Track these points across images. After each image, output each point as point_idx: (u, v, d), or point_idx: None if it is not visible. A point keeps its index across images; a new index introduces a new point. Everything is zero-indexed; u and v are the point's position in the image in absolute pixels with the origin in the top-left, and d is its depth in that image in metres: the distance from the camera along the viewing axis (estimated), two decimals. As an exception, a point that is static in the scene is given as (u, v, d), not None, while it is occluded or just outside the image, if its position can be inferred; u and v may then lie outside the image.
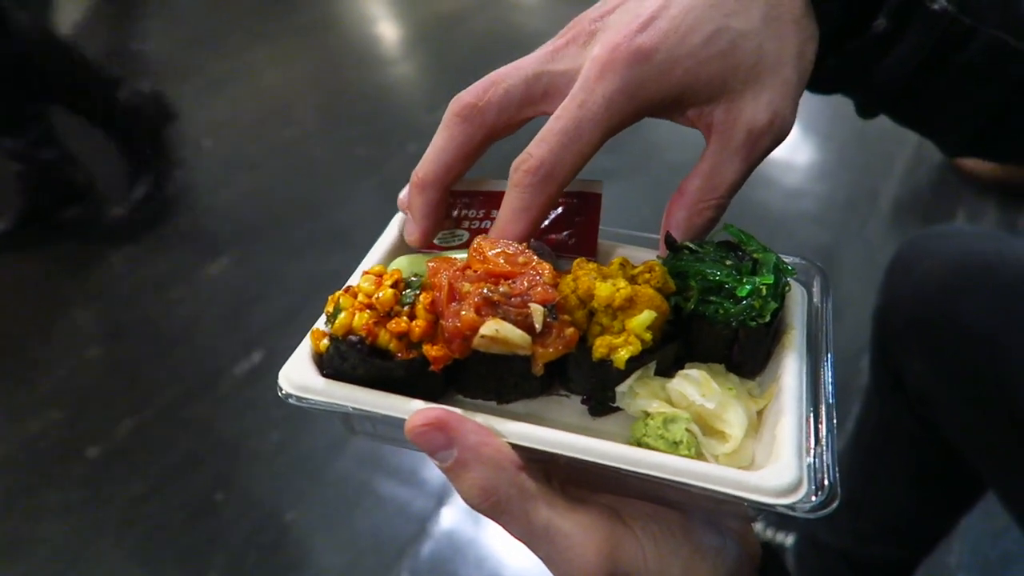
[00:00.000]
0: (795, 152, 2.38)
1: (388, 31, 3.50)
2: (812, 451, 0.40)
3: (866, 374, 1.07)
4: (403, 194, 0.52)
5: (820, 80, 0.52)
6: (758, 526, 1.32)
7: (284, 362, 0.44)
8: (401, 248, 0.54)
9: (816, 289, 0.52)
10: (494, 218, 0.51)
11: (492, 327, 0.39)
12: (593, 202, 0.53)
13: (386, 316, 0.42)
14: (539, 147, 0.44)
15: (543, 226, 0.53)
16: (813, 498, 0.37)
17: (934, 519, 1.07)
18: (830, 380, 0.45)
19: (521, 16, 3.36)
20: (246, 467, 1.60)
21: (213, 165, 2.51)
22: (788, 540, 1.29)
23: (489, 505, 0.38)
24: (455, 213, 0.54)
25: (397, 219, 0.56)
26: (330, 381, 0.42)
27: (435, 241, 0.54)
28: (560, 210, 0.53)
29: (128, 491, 1.56)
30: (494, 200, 0.52)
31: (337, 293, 0.43)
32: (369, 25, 3.56)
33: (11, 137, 2.02)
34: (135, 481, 1.57)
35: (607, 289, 0.41)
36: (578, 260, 0.45)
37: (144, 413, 1.70)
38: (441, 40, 3.25)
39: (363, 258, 0.52)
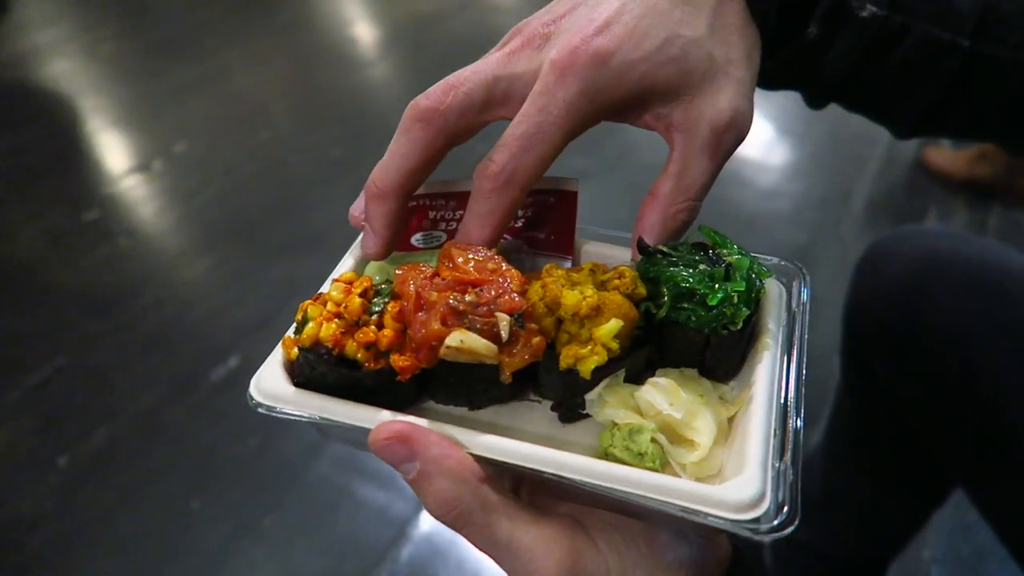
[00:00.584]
0: (769, 153, 2.40)
1: (364, 32, 3.49)
2: (776, 465, 0.40)
3: (839, 372, 1.08)
4: (356, 207, 0.51)
5: (764, 79, 0.54)
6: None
7: (260, 367, 0.44)
8: None
9: (795, 291, 0.51)
10: None
11: (457, 338, 0.39)
12: (570, 199, 0.53)
13: (354, 325, 0.42)
14: (501, 153, 0.44)
15: (520, 224, 0.53)
16: (774, 519, 0.38)
17: (906, 516, 1.09)
18: (801, 390, 0.45)
19: (498, 18, 3.36)
20: (223, 473, 1.58)
21: (187, 169, 2.49)
22: (766, 537, 1.30)
23: (452, 517, 0.38)
24: (432, 215, 0.54)
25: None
26: (300, 390, 0.42)
27: (413, 242, 0.54)
28: (536, 208, 0.54)
29: (102, 499, 1.54)
30: (464, 199, 0.52)
31: (306, 302, 0.43)
32: (345, 26, 3.54)
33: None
34: (109, 489, 1.56)
35: (574, 297, 0.41)
36: (548, 266, 0.45)
37: (118, 420, 1.68)
38: (418, 41, 3.24)
39: (339, 261, 0.52)
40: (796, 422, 0.42)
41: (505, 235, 0.50)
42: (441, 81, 0.47)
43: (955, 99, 0.55)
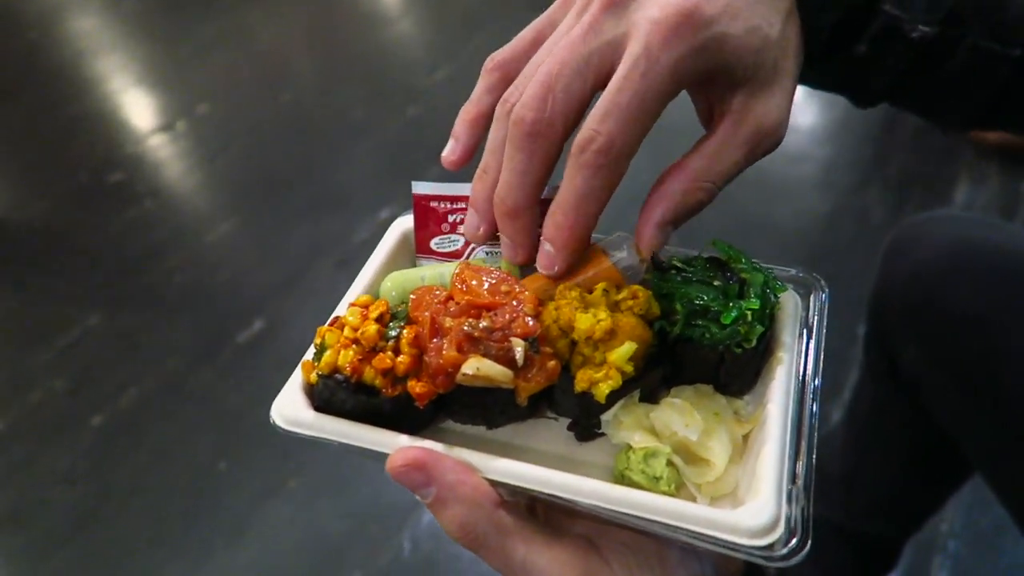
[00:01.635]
0: (797, 115, 2.34)
1: (386, -14, 3.43)
2: (790, 487, 0.40)
3: (862, 353, 1.08)
4: (469, 226, 0.49)
5: (808, 81, 0.53)
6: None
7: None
8: (396, 261, 0.54)
9: (813, 305, 0.51)
10: None
11: (473, 365, 0.39)
12: None
13: (371, 352, 0.42)
14: (605, 123, 0.41)
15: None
16: (786, 545, 0.38)
17: (924, 498, 1.09)
18: (815, 408, 0.45)
19: (522, -31, 3.28)
20: (249, 435, 1.62)
21: (209, 131, 2.49)
22: (780, 563, 1.31)
23: (468, 541, 0.40)
24: (451, 219, 0.54)
25: (393, 230, 0.56)
26: (320, 415, 0.43)
27: (432, 246, 0.54)
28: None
29: (133, 459, 1.58)
30: None
31: (323, 327, 0.44)
32: (367, -21, 3.48)
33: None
34: (139, 450, 1.60)
35: (587, 321, 0.41)
36: (562, 286, 0.45)
37: (147, 382, 1.72)
38: (440, -2, 3.18)
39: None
40: (810, 451, 0.42)
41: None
42: (533, 81, 0.43)
43: (1007, 101, 0.53)
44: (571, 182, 0.43)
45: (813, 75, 0.52)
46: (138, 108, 2.66)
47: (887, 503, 1.09)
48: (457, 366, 0.40)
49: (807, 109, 2.37)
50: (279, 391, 0.46)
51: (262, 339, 1.79)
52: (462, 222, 0.54)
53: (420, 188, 0.54)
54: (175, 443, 1.61)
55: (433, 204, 0.53)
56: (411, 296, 0.43)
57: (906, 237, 0.92)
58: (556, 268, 0.44)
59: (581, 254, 0.45)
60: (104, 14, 3.16)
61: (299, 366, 0.45)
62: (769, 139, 0.46)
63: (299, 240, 2.05)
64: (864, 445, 1.08)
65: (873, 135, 2.32)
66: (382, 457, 0.42)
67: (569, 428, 0.46)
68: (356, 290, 0.50)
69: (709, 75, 0.44)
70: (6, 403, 1.70)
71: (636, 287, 0.45)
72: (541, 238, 0.45)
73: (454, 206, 0.54)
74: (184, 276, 1.99)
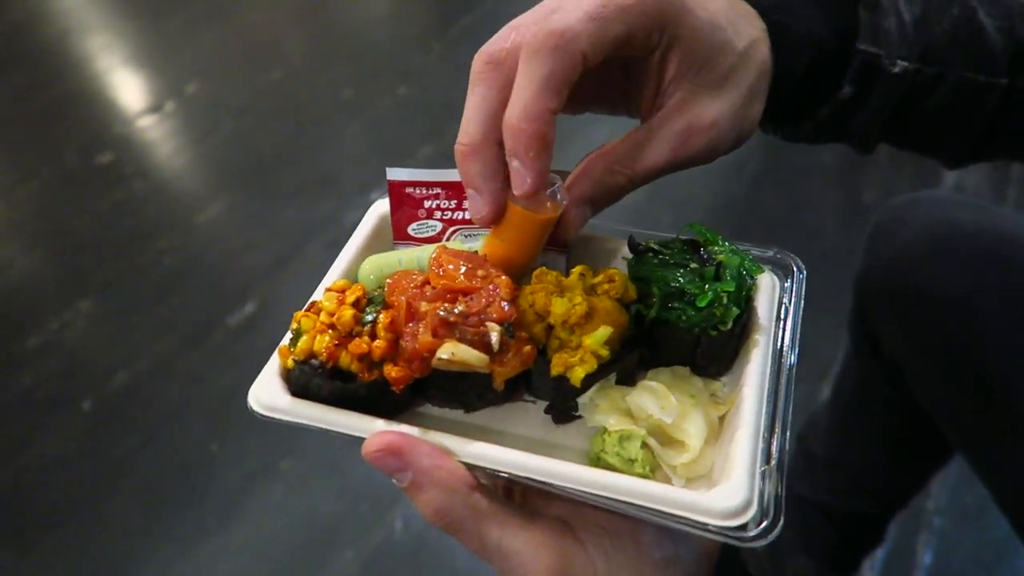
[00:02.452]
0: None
1: (377, -38, 3.40)
2: (763, 470, 0.41)
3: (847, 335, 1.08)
4: (472, 209, 0.47)
5: (806, 136, 0.55)
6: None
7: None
8: (373, 246, 0.54)
9: (789, 286, 0.51)
10: (465, 208, 0.52)
11: (448, 350, 0.40)
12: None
13: (347, 337, 0.42)
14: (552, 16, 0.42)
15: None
16: (758, 526, 0.38)
17: (907, 478, 1.10)
18: (791, 389, 0.45)
19: (513, -53, 3.24)
20: (240, 417, 1.61)
21: (198, 110, 2.47)
22: (752, 544, 1.33)
23: (443, 525, 0.40)
24: (427, 204, 0.54)
25: (370, 215, 0.56)
26: (296, 400, 0.43)
27: (410, 231, 0.54)
28: None
29: (124, 442, 1.59)
30: (462, 190, 0.53)
31: (299, 312, 0.44)
32: (357, -45, 3.44)
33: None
34: (130, 432, 1.60)
35: (563, 305, 0.42)
36: (538, 271, 0.45)
37: (137, 365, 1.72)
38: (431, -27, 3.15)
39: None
40: (783, 430, 0.43)
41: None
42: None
43: (1000, 130, 0.54)
44: (518, 81, 0.42)
45: (808, 127, 0.53)
46: (126, 88, 2.63)
47: (871, 482, 1.10)
48: (433, 351, 0.40)
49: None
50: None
51: (253, 321, 1.79)
52: (438, 208, 0.54)
53: (395, 174, 0.54)
54: (166, 425, 1.61)
55: (409, 190, 0.53)
56: (387, 280, 0.43)
57: (890, 218, 0.92)
58: (528, 183, 0.43)
59: (548, 165, 0.43)
60: (91, -8, 3.13)
61: (276, 352, 0.45)
62: (698, 140, 0.46)
63: (289, 221, 2.05)
64: (848, 425, 1.09)
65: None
66: (359, 442, 0.42)
67: (546, 411, 0.47)
68: (333, 275, 0.50)
69: (660, 42, 0.44)
70: (-3, 386, 1.70)
71: (613, 271, 0.45)
72: (507, 158, 0.43)
73: (430, 192, 0.54)
74: (174, 258, 1.98)
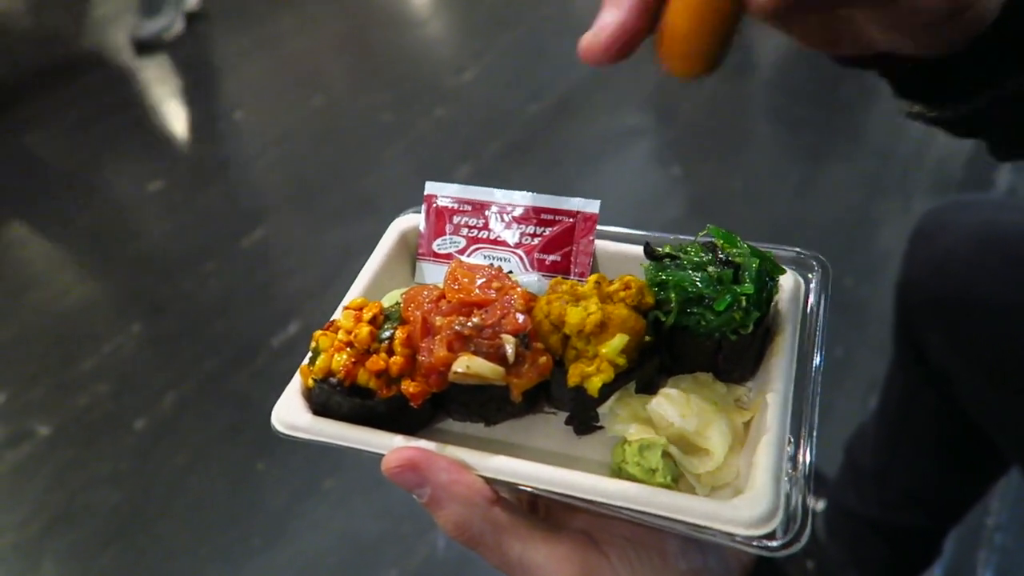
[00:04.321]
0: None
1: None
2: (789, 474, 0.40)
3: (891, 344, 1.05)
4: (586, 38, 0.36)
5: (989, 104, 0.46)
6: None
7: (280, 396, 0.46)
8: (394, 262, 0.55)
9: (814, 286, 0.50)
10: (492, 228, 0.52)
11: (464, 363, 0.40)
12: (589, 223, 0.53)
13: (365, 354, 0.42)
14: None
15: (536, 243, 0.53)
16: (784, 535, 0.37)
17: (960, 489, 1.06)
18: (816, 392, 0.44)
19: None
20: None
21: (244, 137, 2.54)
22: (819, 506, 1.30)
23: (464, 539, 0.40)
24: (456, 220, 0.55)
25: (391, 231, 0.57)
26: (317, 418, 0.44)
27: (435, 248, 0.54)
28: (556, 229, 0.53)
29: (174, 461, 1.62)
30: (491, 209, 0.54)
31: (318, 332, 0.44)
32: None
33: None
34: (180, 451, 1.64)
35: (578, 315, 0.41)
36: (553, 281, 0.45)
37: (186, 386, 1.76)
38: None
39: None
40: (809, 434, 0.42)
41: None
42: None
43: None
44: None
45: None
46: (176, 117, 2.72)
47: (921, 494, 1.07)
48: (448, 365, 0.40)
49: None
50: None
51: (296, 342, 1.82)
52: (466, 225, 0.54)
53: (433, 188, 0.55)
54: (214, 445, 1.65)
55: (443, 203, 0.54)
56: (402, 295, 0.44)
57: (931, 223, 0.89)
58: None
59: None
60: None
61: (298, 372, 0.46)
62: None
63: (331, 243, 2.08)
64: (896, 435, 1.06)
65: (908, 126, 2.26)
66: (379, 458, 0.42)
67: (567, 422, 0.46)
68: (354, 293, 0.51)
69: None
70: (54, 407, 1.75)
71: (629, 277, 0.45)
72: None
73: (461, 208, 0.54)
74: (219, 282, 2.03)
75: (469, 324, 0.41)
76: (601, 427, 0.45)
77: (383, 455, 0.41)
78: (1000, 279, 0.79)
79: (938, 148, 2.16)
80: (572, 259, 0.52)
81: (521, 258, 0.52)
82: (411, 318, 0.42)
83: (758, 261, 0.44)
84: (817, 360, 0.45)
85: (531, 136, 2.23)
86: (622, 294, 0.43)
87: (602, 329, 0.41)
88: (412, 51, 2.92)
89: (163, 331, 1.92)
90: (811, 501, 0.39)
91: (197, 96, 2.81)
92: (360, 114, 2.56)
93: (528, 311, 0.42)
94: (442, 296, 0.43)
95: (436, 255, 0.54)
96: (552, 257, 0.52)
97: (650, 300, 0.44)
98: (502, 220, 0.53)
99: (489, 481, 0.41)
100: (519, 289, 0.43)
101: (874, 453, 1.09)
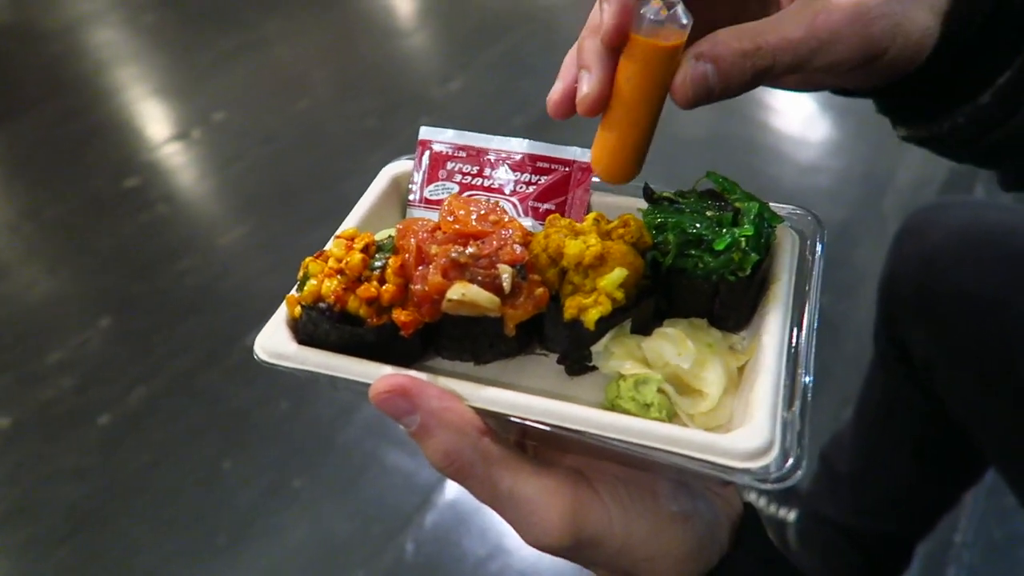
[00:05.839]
0: (810, 127, 2.33)
1: (402, 2, 3.47)
2: (784, 415, 0.39)
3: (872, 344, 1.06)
4: (553, 93, 0.45)
5: (962, 131, 0.47)
6: (760, 502, 1.32)
7: (265, 325, 0.45)
8: (384, 206, 0.54)
9: (811, 240, 0.49)
10: (487, 175, 0.52)
11: (459, 290, 0.39)
12: (586, 172, 0.52)
13: (356, 281, 0.41)
14: None
15: (532, 191, 0.52)
16: (781, 467, 0.37)
17: (935, 494, 1.06)
18: (812, 339, 0.43)
19: (537, -12, 3.31)
20: (254, 435, 1.61)
21: (225, 138, 2.51)
22: (791, 516, 1.29)
23: (453, 469, 0.38)
24: (449, 166, 0.54)
25: (382, 176, 0.56)
26: (304, 347, 0.42)
27: (427, 194, 0.54)
28: (552, 177, 0.53)
29: (138, 458, 1.58)
30: (486, 156, 0.53)
31: (308, 258, 0.43)
32: (384, -4, 3.53)
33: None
34: (145, 448, 1.60)
35: (576, 247, 0.41)
36: (551, 216, 0.44)
37: (155, 382, 1.72)
38: (455, 11, 3.21)
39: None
40: (805, 376, 0.41)
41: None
42: None
43: None
44: None
45: (970, 118, 0.46)
46: (155, 116, 2.69)
47: (897, 500, 1.07)
48: (442, 292, 0.39)
49: (819, 122, 2.36)
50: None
51: (271, 341, 1.79)
52: (459, 171, 0.54)
53: (427, 133, 0.54)
54: (181, 442, 1.61)
55: (437, 148, 0.53)
56: (397, 226, 0.43)
57: (920, 221, 0.90)
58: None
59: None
60: (125, 27, 3.21)
61: (284, 301, 0.45)
62: (839, 14, 0.39)
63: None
64: (874, 438, 1.06)
65: (886, 147, 2.31)
66: (367, 388, 0.41)
67: (559, 362, 0.45)
68: (349, 223, 0.50)
69: None
70: (16, 399, 1.70)
71: (628, 215, 0.44)
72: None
73: (456, 153, 0.54)
74: (195, 279, 1.99)
75: (466, 252, 0.40)
76: (594, 368, 0.45)
77: (370, 385, 0.40)
78: (986, 273, 0.80)
79: (915, 169, 2.20)
80: (568, 208, 0.51)
81: (515, 205, 0.51)
82: (405, 246, 0.41)
83: (757, 206, 0.44)
84: (815, 309, 0.44)
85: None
86: (621, 231, 0.42)
87: (601, 262, 0.40)
88: (399, 61, 2.93)
89: (133, 327, 1.88)
90: (805, 440, 0.38)
91: (178, 96, 2.79)
92: (345, 119, 2.55)
93: (525, 244, 0.41)
94: (437, 227, 0.42)
95: (428, 201, 0.53)
96: (547, 206, 0.51)
97: (648, 240, 0.43)
98: (497, 167, 0.52)
99: (480, 413, 0.40)
100: (516, 223, 0.42)
101: (851, 457, 1.09)
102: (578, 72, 0.42)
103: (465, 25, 3.08)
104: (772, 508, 1.31)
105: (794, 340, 0.43)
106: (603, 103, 0.42)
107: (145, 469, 1.56)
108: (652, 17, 0.38)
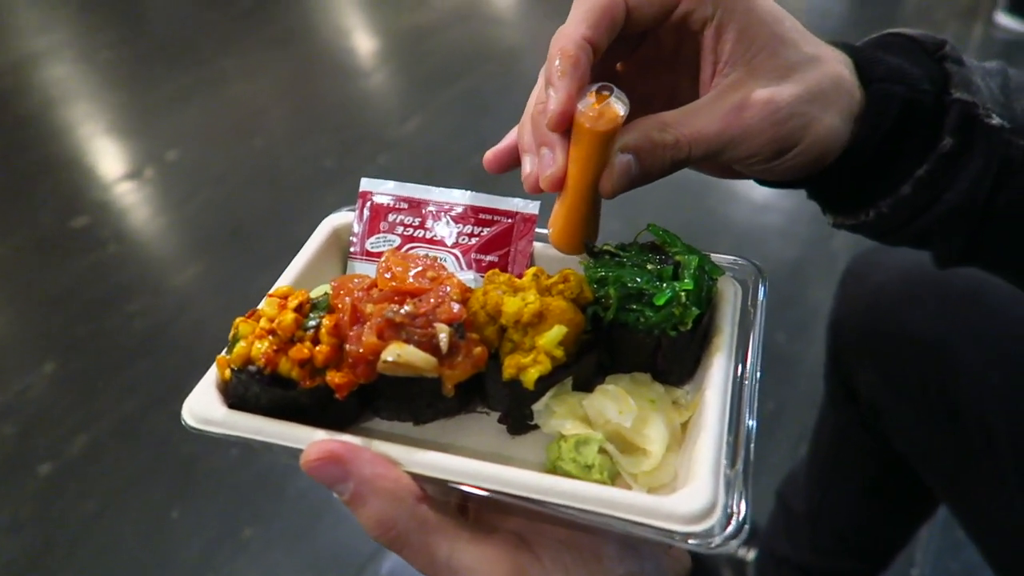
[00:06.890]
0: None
1: (361, 42, 3.49)
2: (728, 473, 0.38)
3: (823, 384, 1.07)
4: (489, 153, 0.50)
5: (889, 219, 0.50)
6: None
7: (194, 389, 0.43)
8: (324, 259, 0.53)
9: (752, 291, 0.49)
10: (428, 227, 0.51)
11: (394, 351, 0.38)
12: (528, 224, 0.52)
13: (288, 342, 0.40)
14: None
15: (474, 243, 0.52)
16: (723, 531, 0.36)
17: (890, 531, 1.07)
18: (755, 388, 0.43)
19: (496, 30, 3.35)
20: (203, 483, 1.56)
21: (178, 176, 2.48)
22: (750, 555, 1.29)
23: (388, 538, 0.37)
24: (391, 218, 0.53)
25: (323, 227, 0.55)
26: (233, 411, 0.41)
27: (368, 247, 0.53)
28: (495, 229, 0.52)
29: (81, 508, 1.52)
30: (428, 208, 0.53)
31: (239, 319, 0.42)
32: (342, 36, 3.54)
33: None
34: (88, 498, 1.54)
35: (515, 304, 0.40)
36: (490, 272, 0.44)
37: (99, 428, 1.66)
38: (414, 53, 3.23)
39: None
40: (749, 422, 0.41)
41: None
42: None
43: None
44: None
45: (895, 205, 0.48)
46: (107, 154, 2.65)
47: (853, 538, 1.07)
48: (377, 353, 0.38)
49: (771, 160, 2.41)
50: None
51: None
52: (401, 223, 0.53)
53: (369, 184, 0.53)
54: (126, 491, 1.55)
55: (379, 199, 0.53)
56: (332, 283, 0.42)
57: (862, 264, 0.92)
58: (554, 97, 0.43)
59: (578, 81, 0.43)
60: (79, 63, 3.18)
61: (214, 363, 0.43)
62: (752, 114, 0.43)
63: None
64: (827, 476, 1.07)
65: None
66: (299, 454, 0.39)
67: (500, 421, 0.44)
68: (285, 280, 0.49)
69: (713, 16, 0.44)
70: (-49, 449, 1.63)
71: (568, 270, 0.44)
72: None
73: (398, 205, 0.53)
74: (145, 321, 1.94)
75: (402, 311, 0.39)
76: (536, 427, 0.44)
77: (302, 450, 0.38)
78: (929, 313, 0.81)
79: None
80: (511, 260, 0.51)
81: (458, 258, 0.50)
82: (340, 305, 0.40)
83: (697, 259, 0.43)
84: (757, 363, 0.44)
85: (475, 185, 2.24)
86: (560, 287, 0.42)
87: (540, 320, 0.40)
88: (357, 100, 2.93)
89: (78, 371, 1.82)
90: (748, 500, 0.38)
91: (130, 134, 2.75)
92: (301, 159, 2.54)
93: (464, 301, 0.40)
94: (374, 285, 0.41)
95: (369, 254, 0.52)
96: (490, 258, 0.51)
97: (589, 295, 0.43)
98: (439, 219, 0.51)
99: (417, 479, 0.38)
100: (455, 279, 0.41)
101: (806, 495, 1.09)
102: (538, 149, 0.45)
103: (423, 67, 3.10)
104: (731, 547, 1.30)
105: (737, 392, 0.42)
106: (563, 180, 0.45)
107: (87, 520, 1.50)
108: (588, 112, 0.42)
